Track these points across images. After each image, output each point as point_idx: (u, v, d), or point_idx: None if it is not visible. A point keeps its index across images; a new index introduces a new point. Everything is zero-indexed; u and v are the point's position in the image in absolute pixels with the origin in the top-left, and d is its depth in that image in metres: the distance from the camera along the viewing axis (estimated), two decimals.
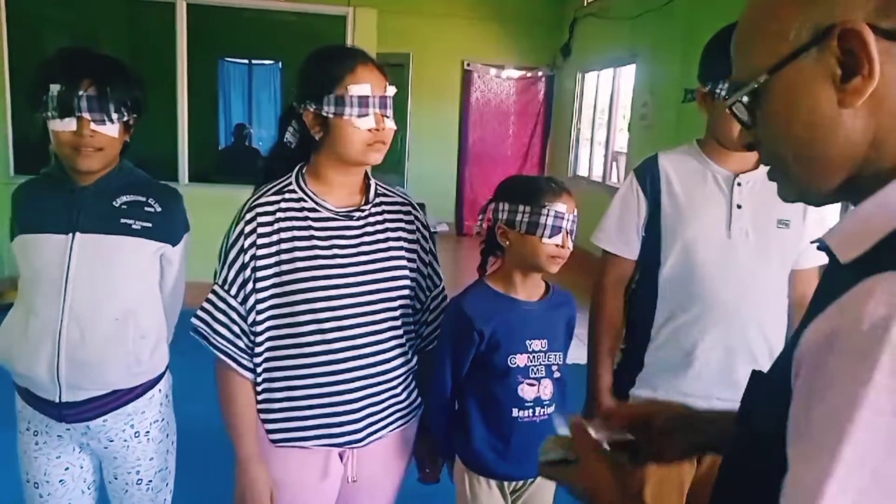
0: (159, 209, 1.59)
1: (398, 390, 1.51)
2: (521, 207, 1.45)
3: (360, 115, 1.35)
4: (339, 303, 1.39)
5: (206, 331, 1.38)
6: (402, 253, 1.50)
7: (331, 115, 1.35)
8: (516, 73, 8.41)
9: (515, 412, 1.50)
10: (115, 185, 1.57)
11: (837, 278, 0.59)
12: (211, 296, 1.39)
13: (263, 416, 1.43)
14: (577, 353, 1.80)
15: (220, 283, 1.38)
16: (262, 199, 1.39)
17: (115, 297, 1.54)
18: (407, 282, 1.50)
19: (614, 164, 7.04)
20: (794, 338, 0.61)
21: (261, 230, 1.37)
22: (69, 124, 1.46)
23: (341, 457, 1.48)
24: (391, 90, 1.41)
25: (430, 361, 1.58)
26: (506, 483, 1.57)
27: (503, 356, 1.49)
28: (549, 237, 1.44)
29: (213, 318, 1.38)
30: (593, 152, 7.53)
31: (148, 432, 1.64)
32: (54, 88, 1.45)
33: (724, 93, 1.52)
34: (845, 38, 0.59)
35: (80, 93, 1.45)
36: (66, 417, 1.55)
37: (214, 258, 1.43)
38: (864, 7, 0.59)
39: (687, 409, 1.01)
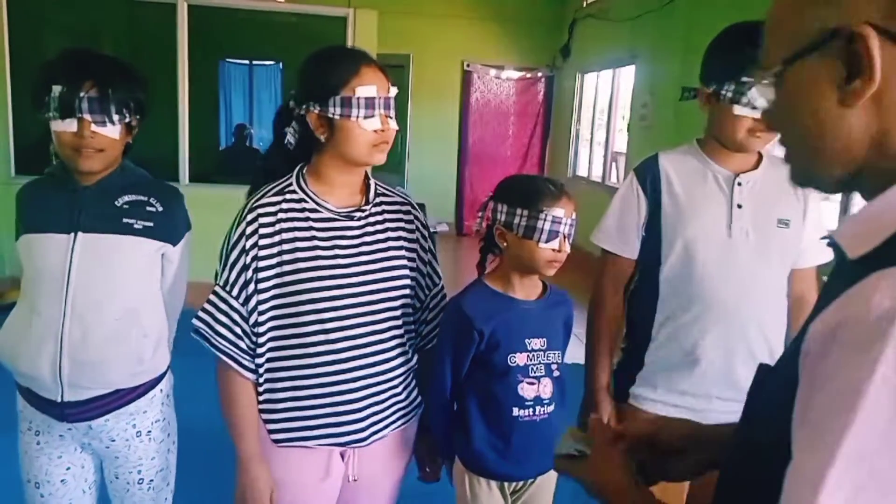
0: (161, 208, 1.59)
1: (399, 389, 1.51)
2: (518, 211, 1.45)
3: (366, 117, 1.35)
4: (342, 303, 1.39)
5: (207, 332, 1.39)
6: (403, 252, 1.50)
7: (336, 117, 1.35)
8: (516, 74, 8.41)
9: (515, 411, 1.50)
10: (117, 185, 1.57)
11: (845, 273, 0.60)
12: (212, 297, 1.39)
13: (266, 416, 1.44)
14: (577, 353, 1.81)
15: (221, 284, 1.38)
16: (264, 200, 1.39)
17: (116, 297, 1.55)
18: (407, 281, 1.51)
19: (614, 164, 7.04)
20: (801, 331, 0.62)
21: (262, 231, 1.37)
22: (70, 125, 1.47)
23: (342, 456, 1.48)
24: (393, 91, 1.41)
25: (429, 360, 1.58)
26: (506, 484, 1.58)
27: (503, 355, 1.49)
28: (546, 242, 1.45)
29: (214, 319, 1.39)
30: (593, 152, 7.53)
31: (149, 432, 1.64)
32: (56, 89, 1.45)
33: (729, 94, 1.53)
34: (851, 41, 0.60)
35: (82, 94, 1.45)
36: (68, 417, 1.55)
37: (215, 258, 1.43)
38: (872, 10, 0.60)
39: (694, 427, 1.02)
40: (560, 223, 1.45)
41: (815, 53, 0.63)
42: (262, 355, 1.41)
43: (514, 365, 1.50)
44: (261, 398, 1.44)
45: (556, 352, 1.56)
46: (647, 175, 1.68)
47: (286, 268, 1.38)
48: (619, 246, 1.72)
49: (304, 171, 1.45)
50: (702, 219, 1.61)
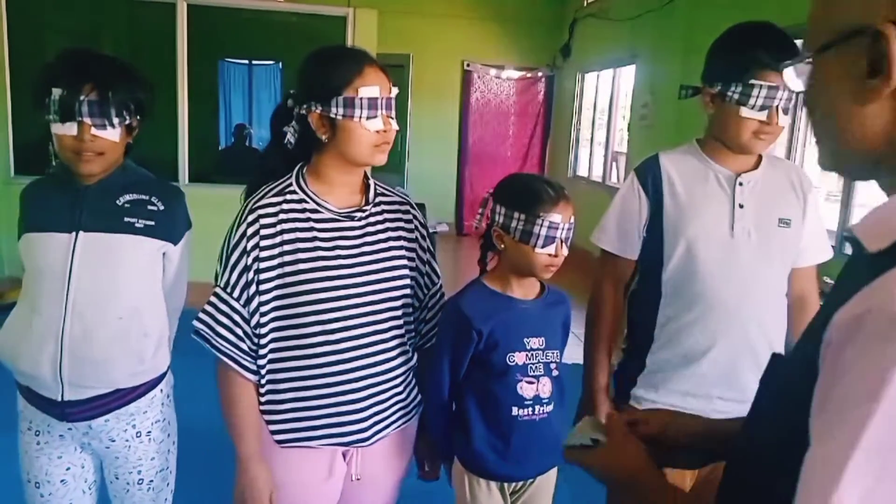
0: (162, 207, 1.59)
1: (400, 388, 1.52)
2: (516, 214, 1.45)
3: (369, 117, 1.35)
4: (344, 303, 1.39)
5: (208, 334, 1.38)
6: (403, 252, 1.50)
7: (339, 117, 1.35)
8: (516, 74, 8.41)
9: (515, 410, 1.50)
10: (119, 184, 1.57)
11: (864, 267, 0.61)
12: (213, 299, 1.39)
13: (268, 417, 1.43)
14: (576, 353, 1.81)
15: (222, 285, 1.38)
16: (264, 201, 1.39)
17: (117, 296, 1.55)
18: (408, 280, 1.51)
19: (614, 164, 7.04)
20: (815, 324, 0.63)
21: (263, 232, 1.36)
22: (70, 128, 1.47)
23: (344, 455, 1.48)
24: (395, 91, 1.41)
25: (428, 359, 1.59)
26: (505, 484, 1.57)
27: (502, 354, 1.49)
28: (542, 247, 1.44)
29: (215, 320, 1.38)
30: (593, 152, 7.53)
31: (149, 432, 1.64)
32: (56, 92, 1.45)
33: (736, 96, 1.52)
34: (875, 38, 0.61)
35: (82, 97, 1.45)
36: (69, 416, 1.55)
37: (215, 258, 1.42)
38: None
39: (702, 424, 1.03)
40: (557, 228, 1.44)
41: (842, 47, 0.66)
42: (263, 356, 1.41)
43: (513, 364, 1.50)
44: (263, 399, 1.44)
45: (555, 351, 1.56)
46: (649, 175, 1.67)
47: (287, 269, 1.37)
48: (620, 246, 1.72)
49: (304, 171, 1.44)
50: (704, 219, 1.60)
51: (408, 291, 1.51)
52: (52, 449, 1.61)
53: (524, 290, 1.55)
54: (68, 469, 1.63)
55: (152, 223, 1.57)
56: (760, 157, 1.66)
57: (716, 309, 1.59)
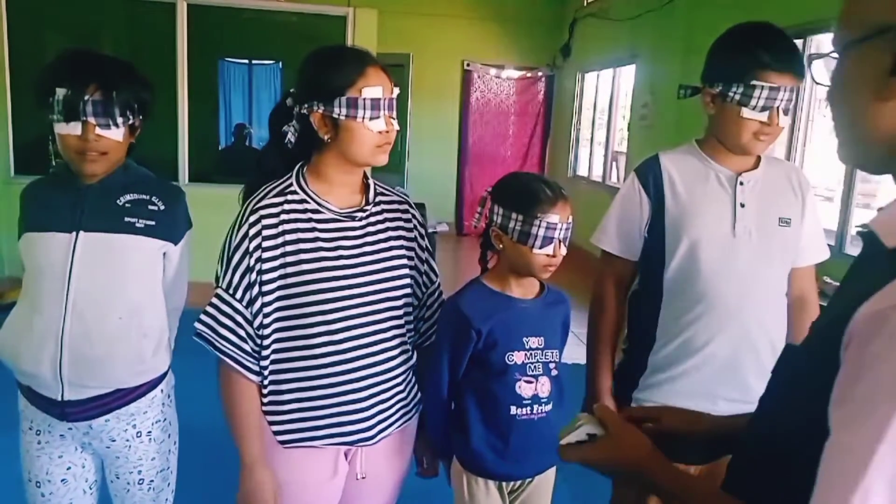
0: (162, 207, 1.59)
1: (402, 387, 1.52)
2: (514, 215, 1.45)
3: (371, 118, 1.35)
4: (347, 304, 1.39)
5: (210, 335, 1.38)
6: (403, 252, 1.51)
7: (342, 117, 1.35)
8: (516, 73, 8.42)
9: (513, 410, 1.50)
10: (120, 184, 1.57)
11: (884, 262, 0.63)
12: (215, 300, 1.38)
13: (271, 418, 1.43)
14: (577, 353, 1.81)
15: (224, 287, 1.37)
16: (265, 202, 1.38)
17: (118, 296, 1.55)
18: (408, 280, 1.51)
19: (614, 164, 7.04)
20: (836, 316, 0.65)
21: (265, 233, 1.36)
22: (74, 128, 1.47)
23: (345, 455, 1.48)
24: (396, 91, 1.41)
25: (428, 358, 1.59)
26: (504, 484, 1.58)
27: (501, 354, 1.49)
28: (541, 248, 1.44)
29: (217, 322, 1.37)
30: (593, 152, 7.53)
31: (150, 432, 1.64)
32: (60, 92, 1.45)
33: (737, 96, 1.53)
34: None
35: (86, 97, 1.45)
36: (69, 416, 1.55)
37: (214, 258, 1.42)
38: None
39: (706, 418, 1.03)
40: (555, 229, 1.44)
41: (867, 44, 0.67)
42: (266, 357, 1.40)
43: (512, 363, 1.50)
44: (265, 400, 1.43)
45: (554, 351, 1.56)
46: (650, 175, 1.67)
47: (290, 269, 1.37)
48: (621, 247, 1.72)
49: (304, 171, 1.44)
50: (706, 218, 1.60)
51: (408, 291, 1.51)
52: (53, 449, 1.61)
53: (523, 290, 1.55)
54: (69, 469, 1.63)
55: (153, 223, 1.57)
56: (759, 157, 1.66)
57: (717, 308, 1.59)
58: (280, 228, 1.37)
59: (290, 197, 1.40)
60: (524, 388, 1.51)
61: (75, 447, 1.63)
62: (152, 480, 1.67)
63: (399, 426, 1.53)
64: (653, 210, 1.66)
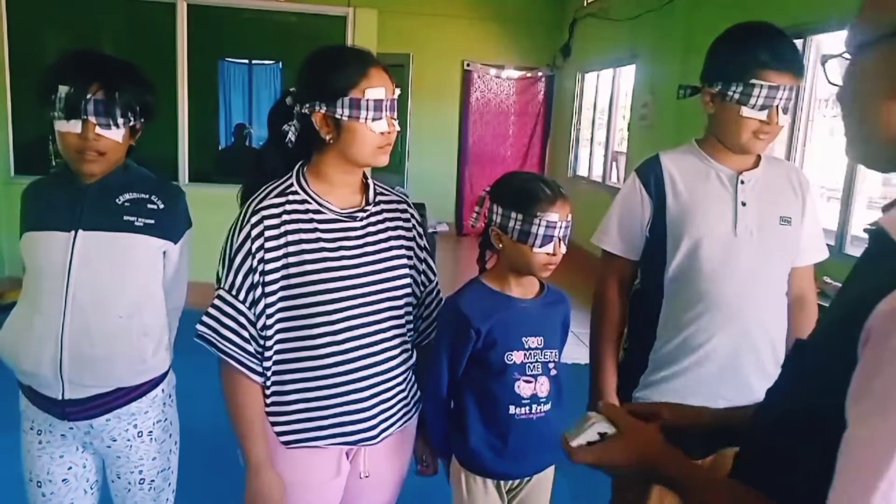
0: (162, 206, 1.59)
1: (403, 386, 1.53)
2: (513, 214, 1.45)
3: (374, 119, 1.35)
4: (350, 304, 1.39)
5: (213, 337, 1.37)
6: (402, 251, 1.51)
7: (344, 118, 1.34)
8: (516, 73, 8.42)
9: (512, 409, 1.51)
10: (119, 183, 1.58)
11: (892, 260, 0.65)
12: (217, 302, 1.37)
13: (273, 418, 1.43)
14: (577, 353, 1.81)
15: (226, 288, 1.36)
16: (266, 202, 1.38)
17: (117, 294, 1.55)
18: (408, 280, 1.51)
19: (614, 164, 7.05)
20: (849, 312, 0.66)
21: (268, 233, 1.35)
22: (75, 126, 1.47)
23: (347, 455, 1.48)
24: (397, 92, 1.41)
25: (427, 357, 1.59)
26: (502, 482, 1.58)
27: (500, 353, 1.49)
28: (541, 247, 1.45)
29: (220, 323, 1.37)
30: (593, 152, 7.53)
31: (151, 432, 1.64)
32: (63, 90, 1.45)
33: (737, 95, 1.53)
34: None
35: (88, 96, 1.46)
36: (69, 415, 1.55)
37: (214, 258, 1.42)
38: None
39: (708, 412, 1.04)
40: (555, 228, 1.44)
41: (883, 46, 0.69)
42: (269, 359, 1.40)
43: (511, 363, 1.50)
44: (268, 401, 1.43)
45: (554, 350, 1.56)
46: (651, 175, 1.68)
47: (292, 270, 1.37)
48: (623, 247, 1.72)
49: (305, 171, 1.44)
50: (707, 217, 1.61)
51: (408, 290, 1.52)
52: (54, 448, 1.61)
53: (523, 289, 1.55)
54: (70, 468, 1.63)
55: (152, 222, 1.57)
56: (759, 156, 1.66)
57: (718, 307, 1.59)
58: (282, 229, 1.36)
59: (291, 197, 1.40)
60: (523, 388, 1.51)
61: (76, 447, 1.63)
62: (153, 480, 1.67)
63: (400, 425, 1.53)
64: (654, 209, 1.66)
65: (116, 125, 1.50)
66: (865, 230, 0.73)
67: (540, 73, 8.41)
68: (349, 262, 1.40)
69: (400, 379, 1.51)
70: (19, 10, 4.86)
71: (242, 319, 1.36)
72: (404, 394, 1.53)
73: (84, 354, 1.51)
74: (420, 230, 1.58)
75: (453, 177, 8.53)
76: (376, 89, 1.35)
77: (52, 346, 1.50)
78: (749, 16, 1.71)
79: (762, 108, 1.53)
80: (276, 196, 1.39)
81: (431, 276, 1.62)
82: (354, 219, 1.44)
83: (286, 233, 1.37)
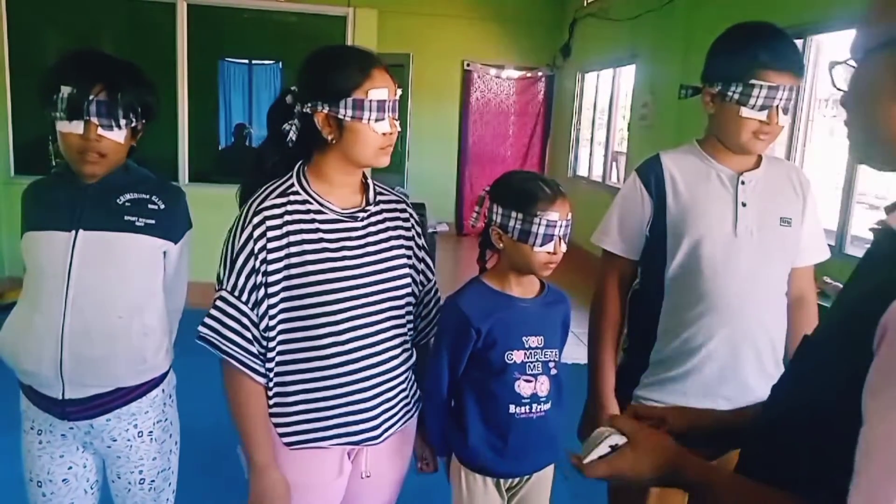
0: (163, 206, 1.60)
1: (405, 385, 1.53)
2: (513, 214, 1.45)
3: (377, 120, 1.35)
4: (352, 304, 1.39)
5: (216, 338, 1.36)
6: (402, 251, 1.51)
7: (347, 119, 1.34)
8: (516, 73, 8.42)
9: (512, 409, 1.51)
10: (120, 184, 1.58)
11: None
12: (219, 303, 1.36)
13: (276, 420, 1.43)
14: (577, 353, 1.81)
15: (228, 289, 1.36)
16: (268, 203, 1.37)
17: (118, 294, 1.55)
18: (408, 279, 1.52)
19: (614, 164, 7.05)
20: (858, 309, 0.68)
21: (270, 234, 1.35)
22: (77, 127, 1.47)
23: (349, 455, 1.48)
24: (399, 92, 1.41)
25: (424, 354, 1.60)
26: (502, 481, 1.58)
27: (500, 353, 1.50)
28: (541, 246, 1.45)
29: (223, 325, 1.36)
30: (593, 152, 7.54)
31: (151, 432, 1.64)
32: (65, 90, 1.45)
33: (737, 95, 1.53)
34: None
35: (91, 97, 1.46)
36: (70, 415, 1.55)
37: (214, 258, 1.42)
38: None
39: (711, 415, 1.04)
40: (555, 226, 1.44)
41: (890, 52, 0.70)
42: (271, 360, 1.40)
43: (512, 362, 1.50)
44: (271, 403, 1.43)
45: (554, 350, 1.57)
46: (651, 174, 1.67)
47: (294, 271, 1.37)
48: (623, 247, 1.72)
49: (305, 171, 1.44)
50: (708, 217, 1.61)
51: (409, 290, 1.52)
52: (55, 448, 1.61)
53: (523, 289, 1.55)
54: (70, 468, 1.63)
55: (153, 222, 1.57)
56: (760, 156, 1.66)
57: (718, 307, 1.59)
58: (285, 230, 1.36)
59: (292, 198, 1.39)
60: (523, 387, 1.51)
61: (77, 447, 1.63)
62: (153, 480, 1.67)
63: (402, 424, 1.54)
64: (654, 209, 1.66)
65: (118, 126, 1.50)
66: (871, 230, 0.74)
67: (540, 73, 8.41)
68: (351, 263, 1.40)
69: (402, 378, 1.51)
70: (19, 10, 4.86)
71: (245, 321, 1.36)
72: (405, 393, 1.54)
73: (84, 354, 1.51)
74: (419, 230, 1.58)
75: (453, 177, 8.53)
76: (379, 90, 1.35)
77: (52, 345, 1.50)
78: (749, 16, 1.71)
79: (762, 108, 1.53)
80: (277, 196, 1.39)
81: (430, 276, 1.62)
82: (355, 219, 1.44)
83: (288, 233, 1.36)
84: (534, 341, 1.53)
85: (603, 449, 0.91)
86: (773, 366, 1.64)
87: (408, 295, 1.52)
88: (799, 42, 3.66)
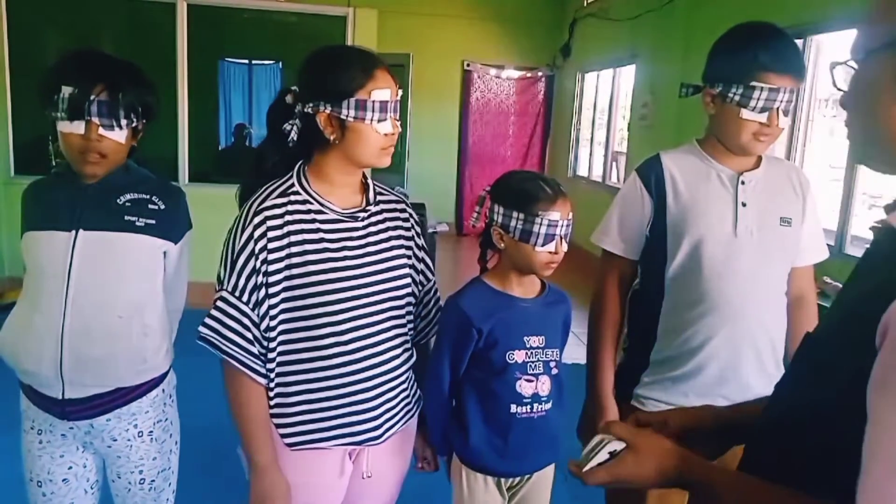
0: (163, 206, 1.60)
1: (405, 385, 1.53)
2: (514, 214, 1.45)
3: (380, 120, 1.35)
4: (353, 304, 1.39)
5: (216, 339, 1.36)
6: (402, 251, 1.51)
7: (350, 119, 1.34)
8: (516, 73, 8.43)
9: (513, 408, 1.51)
10: (120, 184, 1.58)
11: None
12: (220, 303, 1.36)
13: (278, 420, 1.43)
14: (577, 353, 1.81)
15: (229, 290, 1.35)
16: (268, 203, 1.37)
17: (117, 294, 1.55)
18: (409, 279, 1.52)
19: (614, 164, 7.05)
20: (861, 307, 0.68)
21: (271, 234, 1.35)
22: (78, 127, 1.47)
23: (350, 455, 1.48)
24: (400, 93, 1.41)
25: (424, 354, 1.60)
26: (503, 480, 1.58)
27: (501, 352, 1.50)
28: (543, 245, 1.45)
29: (223, 325, 1.36)
30: (593, 152, 7.54)
31: (151, 432, 1.64)
32: (66, 90, 1.45)
33: (737, 97, 1.53)
34: None
35: (92, 97, 1.46)
36: (70, 415, 1.55)
37: (214, 258, 1.42)
38: None
39: (712, 412, 1.05)
40: (556, 226, 1.45)
41: (892, 53, 0.70)
42: (272, 360, 1.39)
43: (513, 362, 1.50)
44: (272, 403, 1.42)
45: (555, 350, 1.57)
46: (651, 174, 1.67)
47: (295, 271, 1.36)
48: (623, 247, 1.72)
49: (306, 171, 1.43)
50: (708, 218, 1.61)
51: (409, 289, 1.52)
52: (55, 448, 1.61)
53: (524, 289, 1.55)
54: (70, 468, 1.63)
55: (153, 222, 1.57)
56: (760, 157, 1.67)
57: (719, 307, 1.59)
58: (285, 230, 1.36)
59: (293, 198, 1.39)
60: (524, 387, 1.51)
61: (77, 447, 1.63)
62: (153, 480, 1.67)
63: (403, 424, 1.54)
64: (655, 209, 1.66)
65: (119, 126, 1.50)
66: (871, 228, 0.75)
67: (540, 73, 8.41)
68: (352, 263, 1.40)
69: (403, 378, 1.51)
70: (19, 10, 4.86)
71: (246, 321, 1.36)
72: (406, 392, 1.54)
73: (84, 354, 1.51)
74: (418, 230, 1.58)
75: (453, 177, 8.53)
76: (382, 91, 1.35)
77: (52, 345, 1.50)
78: (749, 16, 1.71)
79: (762, 110, 1.53)
80: (277, 196, 1.38)
81: (430, 276, 1.62)
82: (356, 219, 1.44)
83: (289, 233, 1.36)
84: (535, 341, 1.53)
85: (602, 456, 0.90)
86: (773, 366, 1.64)
87: (408, 295, 1.52)
88: (799, 42, 3.66)
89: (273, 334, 1.38)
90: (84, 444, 1.63)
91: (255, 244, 1.34)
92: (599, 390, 1.71)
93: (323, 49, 1.43)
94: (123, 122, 1.50)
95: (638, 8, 5.81)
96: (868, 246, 0.80)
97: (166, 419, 1.68)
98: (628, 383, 1.72)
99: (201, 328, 1.36)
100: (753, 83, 1.51)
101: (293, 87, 1.42)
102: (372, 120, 1.34)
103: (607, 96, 7.09)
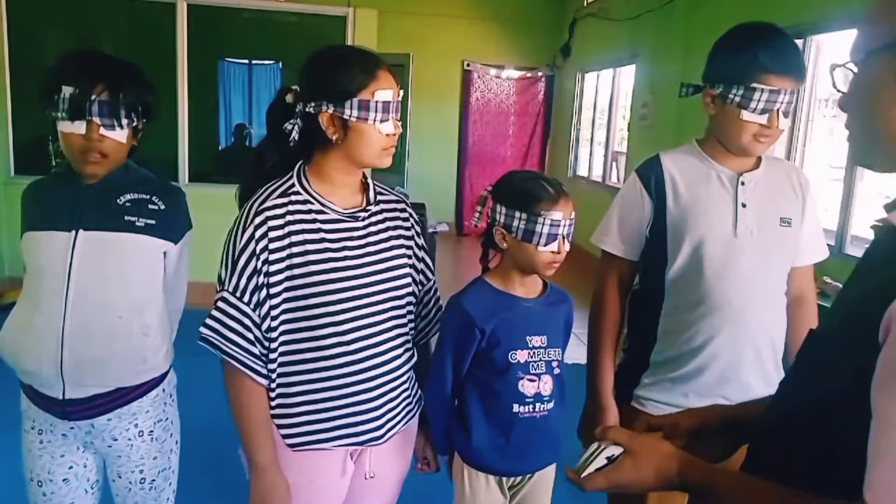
0: (163, 206, 1.60)
1: (407, 385, 1.53)
2: (517, 213, 1.46)
3: (382, 121, 1.35)
4: (355, 304, 1.39)
5: (218, 339, 1.35)
6: (403, 251, 1.51)
7: (353, 119, 1.34)
8: (516, 73, 8.43)
9: (516, 408, 1.51)
10: (120, 184, 1.58)
11: None
12: (220, 304, 1.36)
13: (279, 421, 1.42)
14: (577, 353, 1.81)
15: (230, 290, 1.35)
16: (269, 203, 1.37)
17: (117, 294, 1.55)
18: (409, 279, 1.52)
19: (614, 164, 7.05)
20: (863, 305, 0.69)
21: (272, 234, 1.35)
22: (79, 127, 1.47)
23: (352, 455, 1.48)
24: (401, 93, 1.41)
25: (424, 354, 1.60)
26: (504, 479, 1.58)
27: (503, 352, 1.50)
28: (545, 245, 1.45)
29: (224, 326, 1.35)
30: (593, 152, 7.54)
31: (151, 431, 1.65)
32: (67, 90, 1.46)
33: (738, 99, 1.53)
34: None
35: (93, 97, 1.46)
36: (70, 415, 1.55)
37: (214, 258, 1.41)
38: None
39: (717, 411, 1.05)
40: (559, 226, 1.45)
41: (892, 54, 0.71)
42: (273, 361, 1.39)
43: (515, 362, 1.51)
44: (273, 404, 1.42)
45: (557, 349, 1.57)
46: (651, 175, 1.67)
47: (296, 271, 1.36)
48: (622, 248, 1.72)
49: (306, 171, 1.43)
50: (708, 218, 1.61)
51: (410, 289, 1.52)
52: (55, 448, 1.61)
53: (526, 289, 1.55)
54: (71, 468, 1.63)
55: (153, 222, 1.57)
56: (760, 157, 1.67)
57: (719, 308, 1.59)
58: (286, 230, 1.36)
59: (293, 198, 1.39)
60: (527, 387, 1.51)
61: (77, 446, 1.63)
62: (154, 480, 1.67)
63: (405, 424, 1.54)
64: (654, 210, 1.66)
65: (120, 126, 1.50)
66: (872, 227, 0.76)
67: (540, 73, 8.42)
68: (353, 263, 1.40)
69: (404, 377, 1.51)
70: (19, 10, 4.87)
71: (247, 321, 1.35)
72: (408, 392, 1.54)
73: (84, 354, 1.51)
74: (418, 230, 1.58)
75: (453, 177, 8.54)
76: (385, 91, 1.35)
77: (52, 345, 1.50)
78: (749, 16, 1.71)
79: (763, 111, 1.52)
80: (278, 196, 1.38)
81: (430, 276, 1.62)
82: (356, 219, 1.44)
83: (290, 233, 1.36)
84: (537, 341, 1.53)
85: (600, 461, 0.90)
86: (772, 366, 1.64)
87: (409, 294, 1.52)
88: (799, 42, 3.66)
89: (274, 335, 1.38)
90: (84, 444, 1.63)
91: (257, 244, 1.34)
92: (599, 391, 1.71)
93: (325, 49, 1.43)
94: (124, 121, 1.51)
95: (638, 8, 5.81)
96: (868, 246, 0.81)
97: (167, 419, 1.68)
98: (628, 384, 1.72)
99: (202, 329, 1.36)
100: (754, 84, 1.51)
101: (293, 87, 1.42)
102: (374, 120, 1.35)
103: (607, 96, 7.09)
